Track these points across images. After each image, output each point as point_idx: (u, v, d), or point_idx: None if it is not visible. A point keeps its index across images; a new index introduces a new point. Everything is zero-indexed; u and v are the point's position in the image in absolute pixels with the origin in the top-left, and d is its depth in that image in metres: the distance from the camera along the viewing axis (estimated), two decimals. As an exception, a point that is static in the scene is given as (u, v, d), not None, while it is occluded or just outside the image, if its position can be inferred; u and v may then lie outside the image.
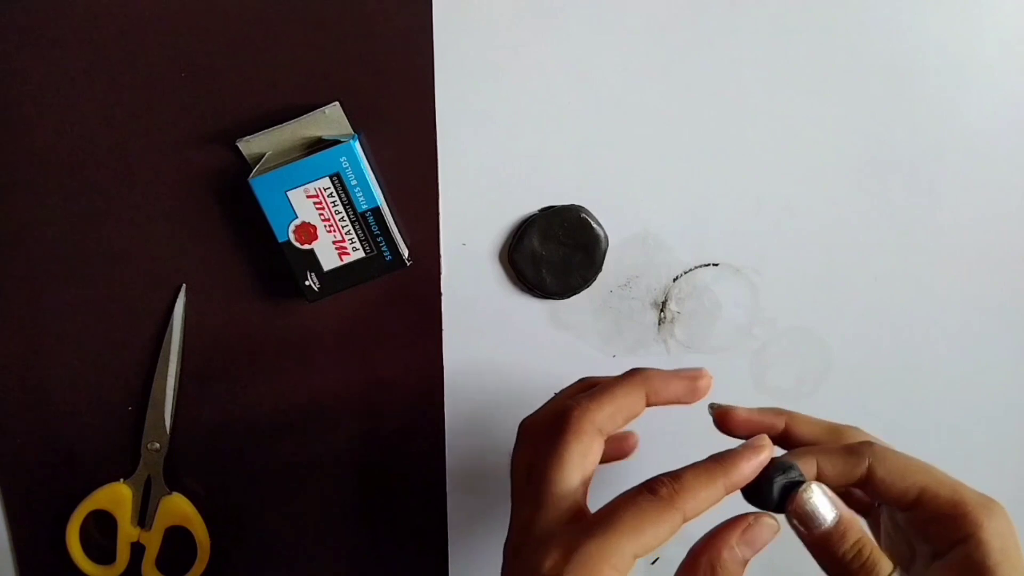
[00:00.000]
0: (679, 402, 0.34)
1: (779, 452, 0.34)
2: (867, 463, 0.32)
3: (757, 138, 0.45)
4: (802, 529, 0.31)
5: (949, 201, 0.46)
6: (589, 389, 0.34)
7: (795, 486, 0.31)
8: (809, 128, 0.45)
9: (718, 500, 0.30)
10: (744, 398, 0.49)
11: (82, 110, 0.41)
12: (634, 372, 0.34)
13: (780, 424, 0.36)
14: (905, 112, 0.45)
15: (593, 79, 0.43)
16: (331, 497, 0.48)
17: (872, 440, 0.33)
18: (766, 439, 0.32)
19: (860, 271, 0.47)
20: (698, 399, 0.34)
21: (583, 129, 0.44)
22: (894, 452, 0.32)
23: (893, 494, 0.32)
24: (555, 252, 0.45)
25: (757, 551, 0.30)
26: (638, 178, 0.45)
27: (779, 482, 0.31)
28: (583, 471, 0.31)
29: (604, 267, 0.46)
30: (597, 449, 0.32)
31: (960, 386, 0.49)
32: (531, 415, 0.35)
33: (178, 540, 0.48)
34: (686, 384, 0.34)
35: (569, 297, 0.46)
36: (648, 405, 0.33)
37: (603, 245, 0.45)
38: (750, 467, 0.31)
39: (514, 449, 0.34)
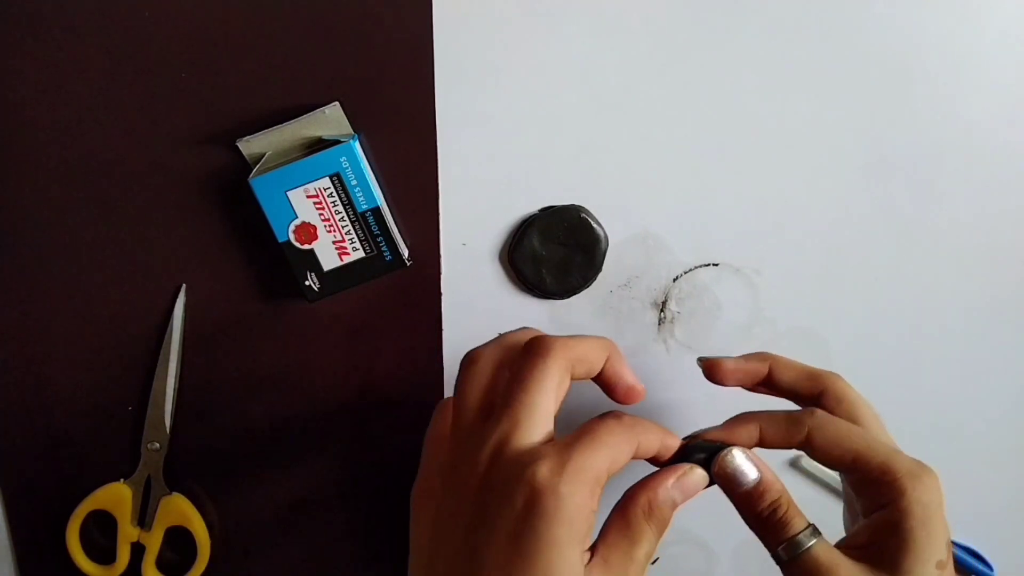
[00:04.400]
0: (612, 390, 0.35)
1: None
2: (806, 430, 0.34)
3: (757, 138, 0.45)
4: (728, 485, 0.34)
5: (949, 201, 0.46)
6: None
7: (716, 451, 0.34)
8: (809, 128, 0.45)
9: (658, 448, 0.33)
10: (744, 397, 0.49)
11: (82, 110, 0.42)
12: (603, 337, 0.35)
13: (764, 369, 0.39)
14: (905, 112, 0.45)
15: (593, 79, 0.43)
16: (331, 496, 0.48)
17: (818, 409, 0.35)
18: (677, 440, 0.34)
19: (860, 271, 0.47)
20: (626, 403, 0.35)
21: (583, 129, 0.44)
22: (834, 421, 0.34)
23: (830, 459, 0.34)
24: (555, 252, 0.45)
25: (687, 498, 0.33)
26: (638, 178, 0.45)
27: (701, 453, 0.34)
28: (556, 399, 0.32)
29: (604, 267, 0.46)
30: (566, 385, 0.33)
31: (960, 386, 0.49)
32: (478, 347, 0.34)
33: (178, 540, 0.48)
34: (629, 386, 0.35)
35: (569, 297, 0.46)
36: (602, 371, 0.34)
37: (603, 245, 0.45)
38: (675, 444, 0.34)
39: (464, 377, 0.33)
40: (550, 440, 0.31)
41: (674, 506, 0.32)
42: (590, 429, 0.31)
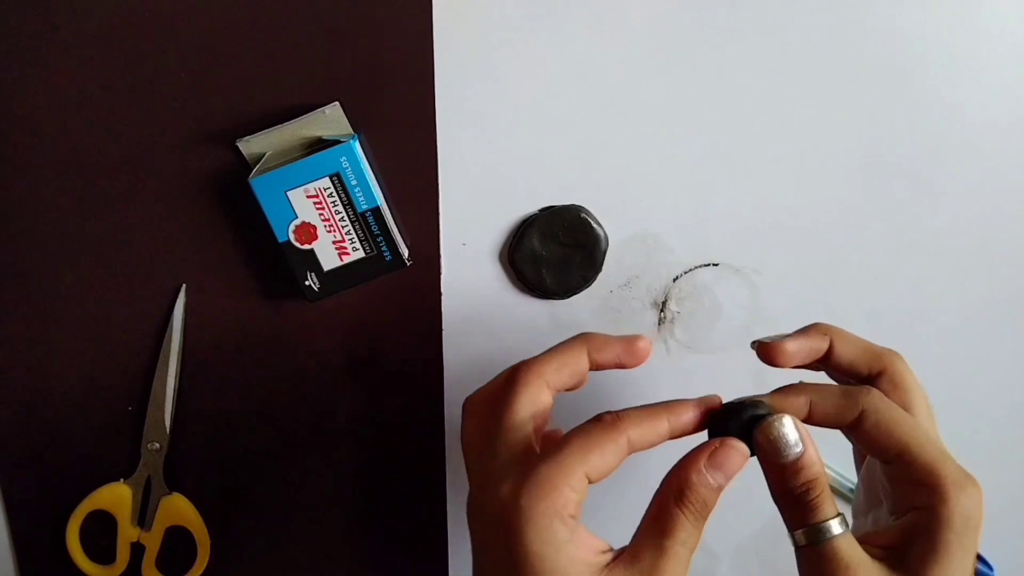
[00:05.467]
0: (620, 364, 0.34)
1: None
2: (859, 410, 0.32)
3: (757, 138, 0.45)
4: (766, 454, 0.31)
5: (949, 201, 0.46)
6: None
7: (762, 418, 0.32)
8: (809, 128, 0.45)
9: (662, 435, 0.32)
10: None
11: (82, 110, 0.42)
12: (578, 335, 0.35)
13: (824, 345, 0.36)
14: (905, 112, 0.45)
15: (593, 79, 0.43)
16: (331, 497, 0.48)
17: (874, 389, 0.33)
18: (718, 399, 0.33)
19: (860, 271, 0.47)
20: (638, 363, 0.34)
21: (583, 129, 0.44)
22: (890, 406, 0.32)
23: (875, 446, 0.32)
24: (555, 252, 0.45)
25: (730, 476, 0.31)
26: (638, 178, 0.45)
27: (747, 413, 0.32)
28: (533, 417, 0.32)
29: (604, 267, 0.46)
30: (546, 399, 0.33)
31: (960, 386, 0.49)
32: (476, 392, 0.35)
33: (178, 540, 0.48)
34: (624, 346, 0.34)
35: (569, 297, 0.46)
36: (592, 366, 0.34)
37: (603, 245, 0.45)
38: (694, 412, 0.32)
39: (463, 426, 0.34)
40: (527, 452, 0.31)
41: (713, 487, 0.31)
42: (563, 440, 0.31)
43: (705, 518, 0.31)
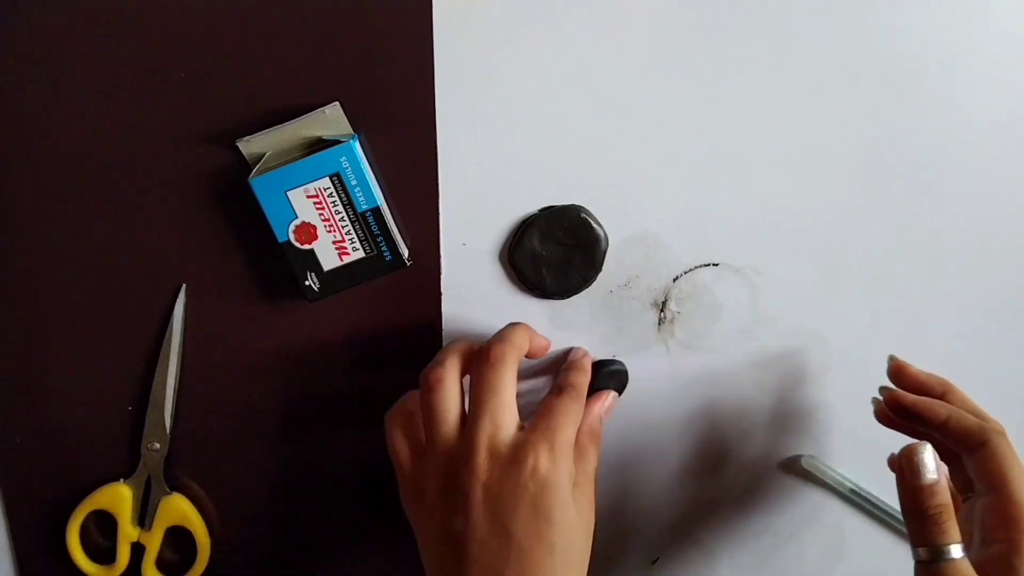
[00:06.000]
0: (535, 353, 0.43)
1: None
2: (985, 439, 0.38)
3: (757, 138, 0.45)
4: (905, 474, 0.37)
5: (949, 201, 0.46)
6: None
7: (621, 375, 0.47)
8: (809, 128, 0.45)
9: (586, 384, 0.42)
10: (744, 398, 0.49)
11: (82, 110, 0.42)
12: (516, 323, 0.42)
13: (938, 391, 0.42)
14: (905, 112, 0.45)
15: (593, 79, 0.43)
16: (331, 497, 0.48)
17: (998, 439, 0.39)
18: (588, 359, 0.44)
19: (860, 271, 0.47)
20: (541, 356, 0.44)
21: (583, 129, 0.44)
22: (1009, 446, 0.38)
23: (986, 474, 0.37)
24: (555, 252, 0.45)
25: (608, 415, 0.44)
26: (638, 178, 0.45)
27: (608, 368, 0.46)
28: (515, 393, 0.38)
29: (604, 267, 0.46)
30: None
31: (960, 386, 0.49)
32: (436, 368, 0.39)
33: (178, 540, 0.48)
34: (542, 342, 0.44)
35: (569, 297, 0.46)
36: (530, 350, 0.42)
37: (603, 245, 0.45)
38: (587, 368, 0.43)
39: (431, 399, 0.38)
40: (521, 427, 0.38)
41: (601, 423, 0.42)
42: (552, 411, 0.38)
43: (600, 444, 0.41)
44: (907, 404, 0.41)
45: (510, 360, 0.38)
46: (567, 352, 0.46)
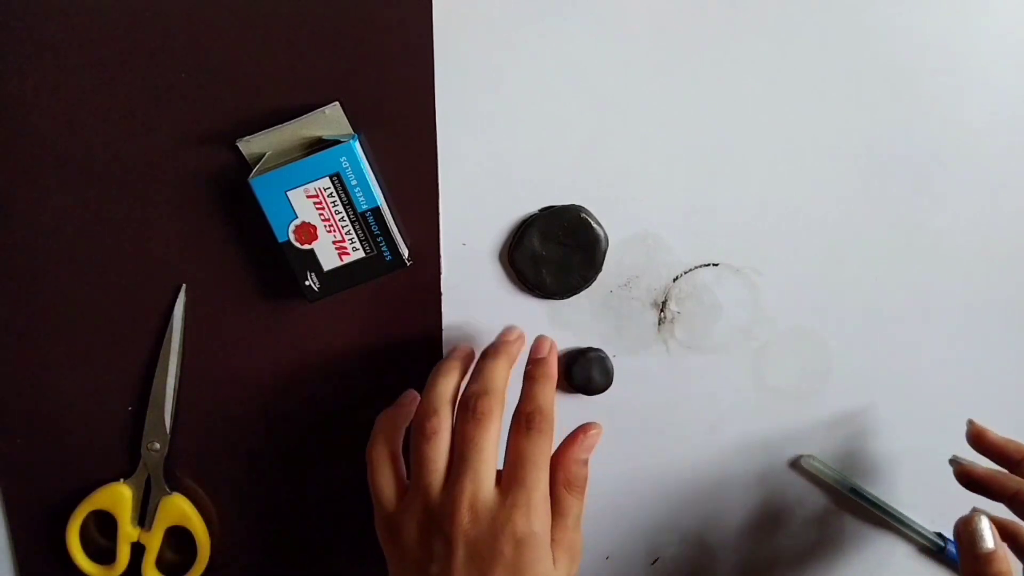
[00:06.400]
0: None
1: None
2: None
3: (757, 138, 0.45)
4: (963, 542, 0.40)
5: (949, 201, 0.46)
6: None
7: (605, 360, 0.46)
8: (809, 128, 0.45)
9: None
10: (744, 398, 0.49)
11: (82, 110, 0.42)
12: (498, 354, 0.42)
13: (1016, 459, 0.44)
14: (905, 112, 0.45)
15: (593, 79, 0.43)
16: (331, 497, 0.48)
17: None
18: (553, 357, 0.43)
19: (860, 271, 0.47)
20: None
21: (583, 129, 0.44)
22: None
23: None
24: (555, 252, 0.45)
25: (593, 450, 0.41)
26: (638, 178, 0.45)
27: (590, 355, 0.46)
28: (497, 445, 0.39)
29: (604, 267, 0.46)
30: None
31: (960, 386, 0.49)
32: (432, 419, 0.40)
33: (178, 540, 0.48)
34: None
35: (569, 297, 0.46)
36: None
37: (603, 245, 0.45)
38: (551, 374, 0.42)
39: (423, 449, 0.39)
40: (499, 480, 0.39)
41: (586, 464, 0.40)
42: (525, 460, 0.38)
43: (586, 487, 0.40)
44: (976, 478, 0.43)
45: (495, 415, 0.39)
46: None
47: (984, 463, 0.44)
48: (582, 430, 0.41)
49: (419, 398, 0.42)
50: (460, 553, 0.37)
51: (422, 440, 0.39)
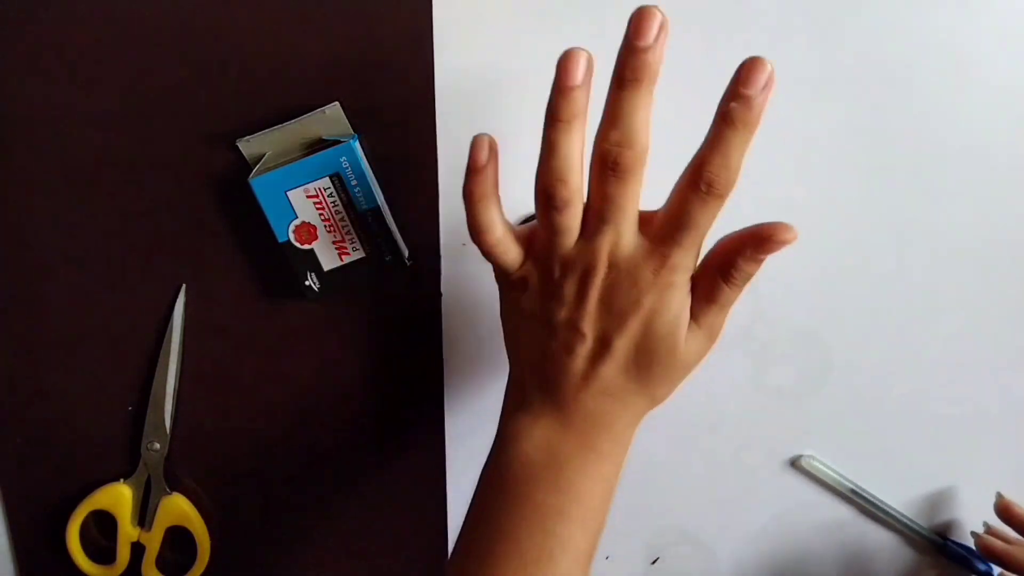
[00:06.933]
0: None
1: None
2: None
3: (757, 138, 0.45)
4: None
5: (949, 201, 0.46)
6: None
7: None
8: (810, 128, 0.45)
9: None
10: (744, 398, 0.49)
11: (82, 110, 0.41)
12: (636, 70, 0.35)
13: None
14: (905, 112, 0.45)
15: (593, 79, 0.43)
16: (331, 497, 0.48)
17: None
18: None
19: (861, 271, 0.47)
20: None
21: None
22: None
23: None
24: (555, 252, 0.45)
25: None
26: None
27: None
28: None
29: (604, 267, 0.46)
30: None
31: (960, 385, 0.49)
32: (558, 179, 0.35)
33: (178, 540, 0.48)
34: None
35: (569, 297, 0.46)
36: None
37: (603, 245, 0.45)
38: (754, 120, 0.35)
39: (553, 213, 0.35)
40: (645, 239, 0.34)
41: (760, 264, 0.35)
42: (692, 227, 0.34)
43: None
44: (996, 553, 0.47)
45: (639, 170, 0.34)
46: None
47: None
48: (769, 233, 0.35)
49: (495, 148, 0.36)
50: (594, 297, 0.34)
51: (552, 211, 0.34)
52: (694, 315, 0.35)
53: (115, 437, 0.46)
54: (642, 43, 0.32)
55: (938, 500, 0.51)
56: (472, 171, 0.35)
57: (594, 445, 0.36)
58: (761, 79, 0.32)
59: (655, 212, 0.35)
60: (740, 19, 0.43)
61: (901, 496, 0.51)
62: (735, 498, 0.51)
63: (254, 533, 0.49)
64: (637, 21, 0.31)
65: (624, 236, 0.34)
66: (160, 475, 0.46)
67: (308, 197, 0.40)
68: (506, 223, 0.36)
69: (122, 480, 0.47)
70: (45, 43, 0.41)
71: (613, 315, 0.34)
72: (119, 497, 0.46)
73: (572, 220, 0.34)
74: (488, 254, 0.36)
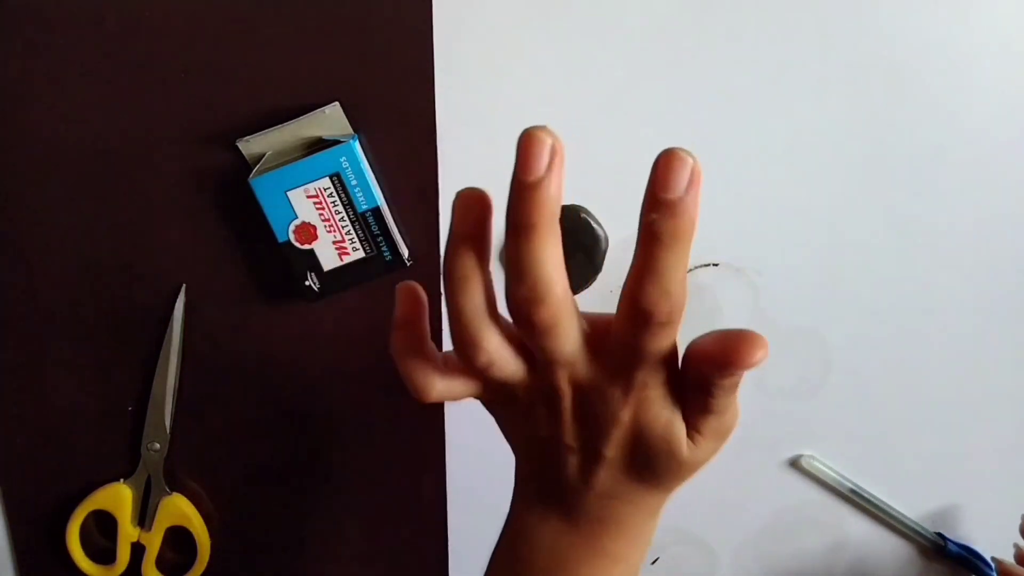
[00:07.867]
0: None
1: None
2: None
3: (758, 138, 0.45)
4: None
5: (949, 201, 0.46)
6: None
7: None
8: (810, 128, 0.45)
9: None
10: (744, 398, 0.49)
11: (83, 110, 0.41)
12: (530, 213, 0.29)
13: None
14: (905, 112, 0.45)
15: (593, 79, 0.43)
16: (331, 497, 0.48)
17: None
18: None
19: (861, 271, 0.47)
20: None
21: (583, 129, 0.44)
22: None
23: None
24: (555, 252, 0.45)
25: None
26: (638, 178, 0.45)
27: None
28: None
29: (604, 267, 0.46)
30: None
31: (960, 386, 0.49)
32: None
33: (178, 540, 0.48)
34: None
35: (569, 297, 0.46)
36: None
37: (603, 245, 0.45)
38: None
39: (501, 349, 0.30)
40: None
41: (735, 390, 0.31)
42: (643, 363, 0.28)
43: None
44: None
45: (565, 320, 0.29)
46: None
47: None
48: (733, 357, 0.27)
49: (421, 299, 0.32)
50: (567, 416, 0.30)
51: (481, 373, 0.31)
52: (692, 424, 0.30)
53: (115, 437, 0.46)
54: (531, 178, 0.27)
55: (938, 500, 0.51)
56: (397, 326, 0.33)
57: (605, 549, 0.33)
58: (682, 176, 0.26)
59: (609, 323, 0.29)
60: (740, 20, 0.43)
61: (901, 496, 0.51)
62: (735, 498, 0.51)
63: (254, 533, 0.49)
64: (526, 152, 0.27)
65: (576, 367, 0.29)
66: (160, 475, 0.46)
67: (308, 197, 0.40)
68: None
69: (122, 480, 0.47)
70: (46, 44, 0.41)
71: (592, 428, 0.30)
72: (119, 497, 0.46)
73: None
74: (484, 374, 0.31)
